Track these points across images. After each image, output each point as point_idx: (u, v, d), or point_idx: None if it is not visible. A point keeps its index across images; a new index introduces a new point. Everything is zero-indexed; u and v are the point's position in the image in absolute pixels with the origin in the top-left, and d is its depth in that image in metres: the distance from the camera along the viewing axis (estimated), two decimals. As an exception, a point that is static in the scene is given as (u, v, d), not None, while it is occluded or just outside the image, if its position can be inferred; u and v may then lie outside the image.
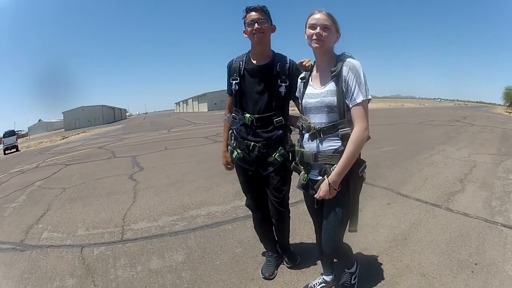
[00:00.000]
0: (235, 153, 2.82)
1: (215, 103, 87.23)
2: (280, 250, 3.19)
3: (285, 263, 3.15)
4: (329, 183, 2.06)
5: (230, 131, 2.92)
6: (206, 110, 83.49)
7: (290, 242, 3.23)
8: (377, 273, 2.96)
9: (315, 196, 2.16)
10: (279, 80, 2.65)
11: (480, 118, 19.66)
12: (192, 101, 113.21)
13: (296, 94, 2.53)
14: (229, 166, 2.99)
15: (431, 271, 2.95)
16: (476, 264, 3.02)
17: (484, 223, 3.90)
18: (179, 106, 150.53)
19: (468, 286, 2.71)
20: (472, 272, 2.90)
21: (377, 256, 3.25)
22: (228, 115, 2.91)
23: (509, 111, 44.80)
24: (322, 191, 2.08)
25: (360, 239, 3.46)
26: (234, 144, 2.85)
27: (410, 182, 5.73)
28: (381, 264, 3.11)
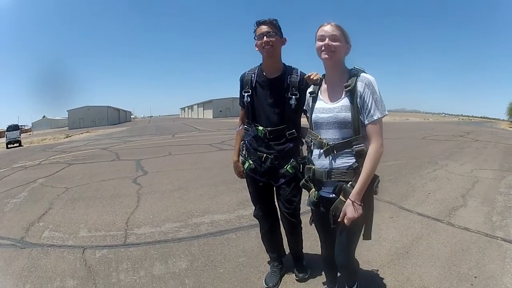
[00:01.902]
0: (247, 163, 2.86)
1: (221, 110, 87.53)
2: (293, 259, 3.20)
3: (295, 275, 3.14)
4: (353, 202, 2.03)
5: (242, 141, 2.96)
6: (211, 117, 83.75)
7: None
8: (379, 286, 3.02)
9: (339, 220, 2.10)
10: (289, 93, 2.68)
11: (484, 134, 19.72)
12: (198, 107, 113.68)
13: (304, 107, 2.52)
14: (242, 175, 3.04)
15: (431, 283, 2.99)
16: (475, 277, 3.08)
17: (485, 237, 3.96)
18: (184, 111, 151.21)
19: (467, 298, 2.73)
20: (472, 285, 2.97)
21: (379, 269, 3.29)
22: (240, 126, 2.96)
23: None
24: (349, 212, 2.03)
25: (362, 252, 3.46)
26: (246, 155, 2.89)
27: (413, 196, 5.77)
28: (383, 276, 3.17)
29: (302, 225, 3.01)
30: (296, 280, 3.11)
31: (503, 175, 7.31)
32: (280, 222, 3.06)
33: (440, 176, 7.27)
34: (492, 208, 5.03)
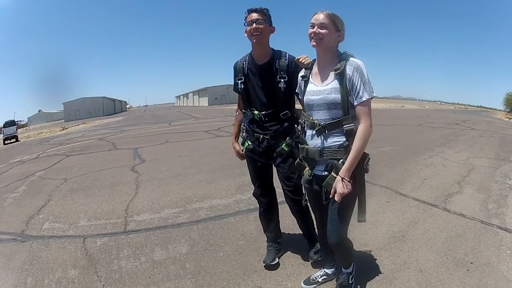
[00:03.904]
0: (246, 144, 2.98)
1: (216, 98, 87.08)
2: (307, 241, 3.20)
3: (310, 258, 3.09)
4: (342, 178, 2.09)
5: (242, 124, 3.06)
6: (207, 105, 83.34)
7: (292, 235, 3.34)
8: (376, 268, 3.03)
9: (330, 196, 2.18)
10: (278, 77, 2.76)
11: (480, 123, 19.65)
12: (193, 95, 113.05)
13: (297, 90, 2.60)
14: (241, 155, 3.14)
15: (428, 267, 3.01)
16: (471, 263, 3.08)
17: (480, 224, 3.96)
18: (180, 99, 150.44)
19: (464, 284, 2.76)
20: (468, 270, 2.97)
21: (376, 252, 3.32)
22: (238, 112, 3.09)
23: (509, 116, 44.74)
24: (339, 188, 2.10)
25: (359, 235, 3.51)
26: (246, 136, 3.00)
27: (409, 182, 5.78)
28: (380, 259, 3.18)
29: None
30: (311, 262, 3.08)
31: (498, 164, 7.31)
32: (285, 204, 3.10)
33: (436, 163, 7.28)
34: (488, 195, 5.03)
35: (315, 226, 2.89)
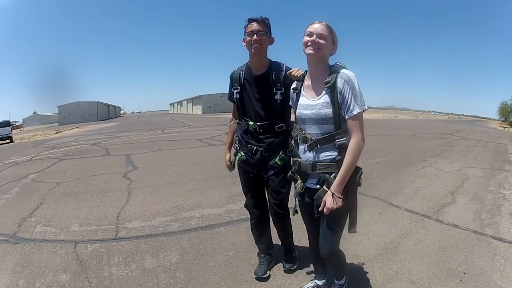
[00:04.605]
0: (239, 155, 2.96)
1: (210, 106, 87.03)
2: (284, 253, 3.24)
3: (283, 265, 3.18)
4: (333, 193, 2.08)
5: (235, 135, 3.02)
6: (200, 113, 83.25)
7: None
8: (367, 279, 3.02)
9: (319, 209, 2.17)
10: (274, 88, 2.73)
11: (474, 132, 19.83)
12: (187, 102, 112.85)
13: (290, 103, 2.58)
14: (231, 166, 3.13)
15: (420, 278, 3.00)
16: (464, 273, 3.08)
17: (474, 234, 3.98)
18: (173, 107, 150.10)
19: (457, 294, 2.74)
20: (461, 281, 2.96)
21: (368, 263, 3.30)
22: (232, 121, 3.06)
23: (504, 125, 45.35)
24: (328, 202, 2.08)
25: (351, 246, 3.51)
26: (238, 147, 2.97)
27: (401, 193, 5.80)
28: (372, 270, 3.17)
29: (291, 218, 3.05)
30: (284, 271, 3.13)
31: (492, 173, 7.35)
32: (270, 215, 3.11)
33: (429, 173, 7.31)
34: (481, 206, 5.05)
35: (307, 237, 2.83)
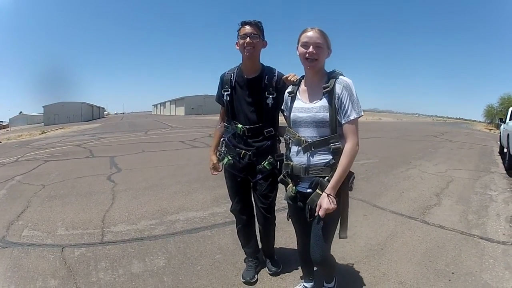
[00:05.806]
0: (226, 159, 2.89)
1: (193, 108, 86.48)
2: (265, 256, 3.26)
3: (267, 269, 3.20)
4: (328, 195, 2.08)
5: (222, 138, 2.99)
6: (184, 114, 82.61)
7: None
8: (355, 281, 3.03)
9: (316, 213, 2.14)
10: (266, 92, 2.73)
11: (459, 135, 19.80)
12: (170, 104, 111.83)
13: (283, 107, 2.57)
14: (214, 173, 3.09)
15: (408, 279, 3.02)
16: (453, 273, 3.11)
17: (460, 235, 4.02)
18: (157, 108, 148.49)
19: (446, 294, 2.77)
20: (450, 280, 2.99)
21: (355, 265, 3.31)
22: (220, 124, 3.01)
23: (489, 128, 46.40)
24: (325, 203, 2.06)
25: (337, 249, 3.48)
26: (226, 151, 2.92)
27: (386, 195, 5.81)
28: (359, 272, 3.18)
29: (276, 222, 3.08)
30: (270, 274, 3.16)
31: (478, 175, 7.38)
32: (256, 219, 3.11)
33: (413, 175, 7.31)
34: (468, 207, 5.08)
35: (295, 241, 2.82)
